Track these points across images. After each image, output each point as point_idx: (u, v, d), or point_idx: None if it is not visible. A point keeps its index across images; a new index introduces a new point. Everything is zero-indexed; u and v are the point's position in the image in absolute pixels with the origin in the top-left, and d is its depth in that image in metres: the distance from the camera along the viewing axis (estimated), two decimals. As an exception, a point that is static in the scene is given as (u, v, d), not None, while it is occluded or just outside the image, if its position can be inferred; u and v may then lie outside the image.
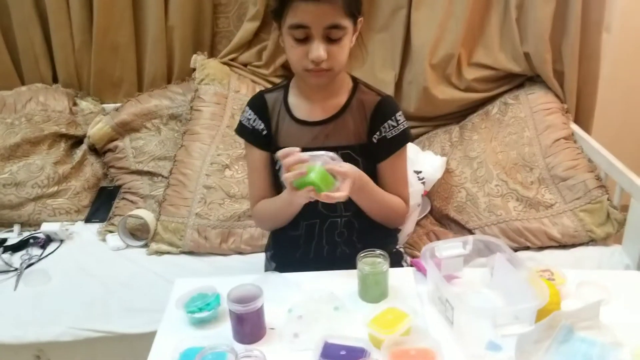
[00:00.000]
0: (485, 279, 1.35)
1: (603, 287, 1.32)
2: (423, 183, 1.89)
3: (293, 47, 1.28)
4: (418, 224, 1.97)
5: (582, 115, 2.21)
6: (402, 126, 1.39)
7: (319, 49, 1.24)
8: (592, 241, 1.82)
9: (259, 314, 1.15)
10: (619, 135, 2.52)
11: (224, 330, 1.19)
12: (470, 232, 1.88)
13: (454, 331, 1.18)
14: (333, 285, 1.30)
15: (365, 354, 1.07)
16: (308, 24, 1.23)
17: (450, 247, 1.33)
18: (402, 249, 1.65)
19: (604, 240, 1.82)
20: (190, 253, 1.92)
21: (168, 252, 1.92)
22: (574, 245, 1.83)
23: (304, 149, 1.25)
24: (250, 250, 1.91)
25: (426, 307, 1.27)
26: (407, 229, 1.90)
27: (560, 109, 2.11)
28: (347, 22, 1.26)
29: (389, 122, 1.37)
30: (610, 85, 2.37)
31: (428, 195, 2.04)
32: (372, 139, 1.38)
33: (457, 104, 2.23)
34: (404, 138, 1.40)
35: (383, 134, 1.38)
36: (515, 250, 1.83)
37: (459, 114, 2.27)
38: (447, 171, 2.02)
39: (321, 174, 1.22)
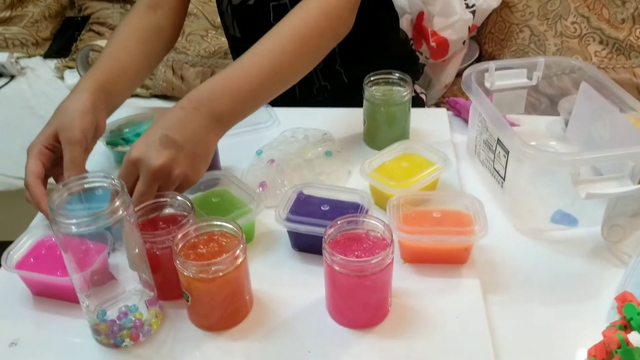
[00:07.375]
0: (555, 130, 0.91)
1: None
2: (473, 12, 1.39)
3: None
4: (460, 74, 1.49)
5: None
6: None
7: None
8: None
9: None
10: None
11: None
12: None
13: (505, 192, 0.75)
14: (328, 124, 0.90)
15: (360, 209, 0.67)
16: None
17: (508, 74, 0.88)
18: (423, 95, 1.18)
19: None
20: (163, 97, 1.51)
21: (136, 95, 1.50)
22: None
23: None
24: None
25: (462, 164, 0.85)
26: (445, 77, 1.43)
27: None
28: None
29: None
30: None
31: (476, 38, 1.54)
32: None
33: None
34: None
35: None
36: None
37: None
38: (507, 5, 1.50)
39: None
